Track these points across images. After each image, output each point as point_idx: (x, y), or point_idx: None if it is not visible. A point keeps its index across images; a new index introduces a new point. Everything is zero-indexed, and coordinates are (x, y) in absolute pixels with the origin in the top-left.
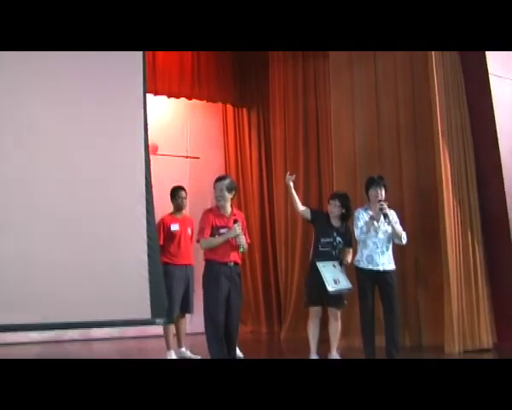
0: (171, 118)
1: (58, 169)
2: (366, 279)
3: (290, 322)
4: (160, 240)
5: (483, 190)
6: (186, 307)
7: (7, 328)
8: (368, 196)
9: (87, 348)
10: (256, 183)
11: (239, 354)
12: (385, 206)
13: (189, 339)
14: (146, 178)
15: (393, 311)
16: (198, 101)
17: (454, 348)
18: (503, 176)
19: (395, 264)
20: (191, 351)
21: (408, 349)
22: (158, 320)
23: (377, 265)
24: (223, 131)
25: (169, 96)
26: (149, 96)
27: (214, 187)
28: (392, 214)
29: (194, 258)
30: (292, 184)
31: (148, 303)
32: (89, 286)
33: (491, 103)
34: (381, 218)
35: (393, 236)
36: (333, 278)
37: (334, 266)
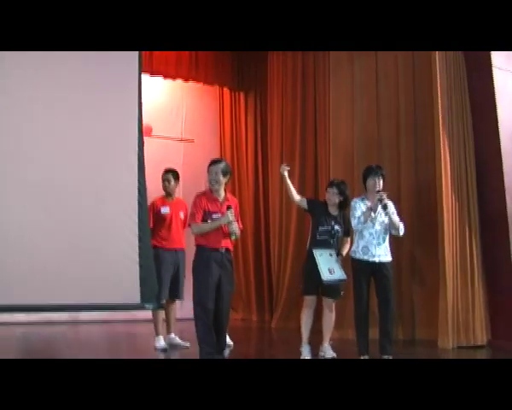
0: (167, 99)
1: (47, 148)
2: (361, 271)
3: (282, 311)
4: (150, 223)
5: (482, 185)
6: (175, 293)
7: None
8: (365, 185)
9: (74, 330)
10: (251, 168)
11: (229, 341)
12: (384, 196)
13: (178, 325)
14: (139, 159)
15: (389, 303)
16: (195, 83)
17: (448, 343)
18: (504, 171)
19: (391, 256)
20: (180, 337)
21: (401, 343)
22: (147, 305)
23: (373, 256)
24: (219, 114)
25: (165, 77)
26: (145, 77)
27: (208, 170)
28: (390, 205)
29: (187, 243)
30: (287, 174)
31: (138, 287)
32: (77, 268)
33: (494, 97)
34: (378, 208)
35: (391, 227)
36: (328, 267)
37: (330, 254)
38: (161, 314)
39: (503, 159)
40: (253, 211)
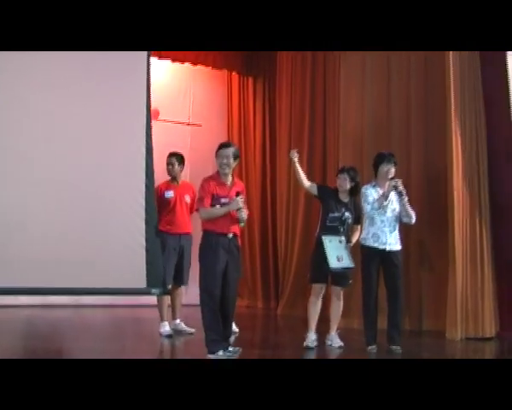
0: (175, 83)
1: (56, 130)
2: (371, 258)
3: (288, 298)
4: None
5: (494, 174)
6: (179, 279)
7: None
8: (376, 172)
9: (78, 314)
10: (259, 154)
11: (234, 328)
12: (399, 183)
13: (183, 311)
14: (147, 141)
15: (398, 293)
16: (203, 67)
17: (456, 335)
18: None
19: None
20: (185, 323)
21: (407, 333)
22: (153, 290)
23: (384, 244)
24: (227, 99)
25: (173, 61)
26: (153, 60)
27: (218, 154)
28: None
29: (194, 227)
30: (297, 159)
31: (144, 272)
32: (83, 252)
33: (507, 86)
34: (390, 196)
35: (403, 214)
36: (336, 255)
37: (340, 241)
38: (166, 300)
39: None
40: (260, 197)
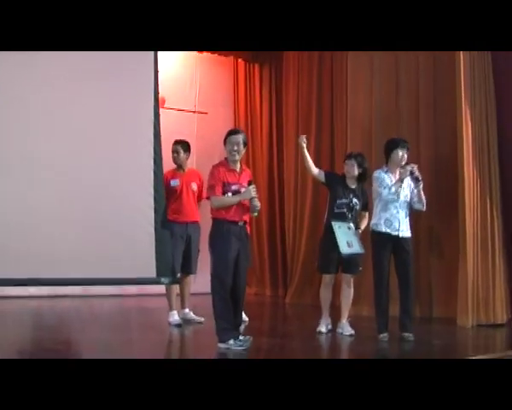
0: (181, 71)
1: (63, 118)
2: (383, 244)
3: (296, 286)
4: None
5: (504, 159)
6: (187, 267)
7: (5, 282)
8: (388, 157)
9: (87, 304)
10: (266, 142)
11: (244, 317)
12: (415, 169)
13: (191, 299)
14: (154, 128)
15: (409, 279)
16: (209, 54)
17: (467, 322)
18: None
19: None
20: (194, 312)
21: (418, 321)
22: (163, 279)
23: (396, 230)
24: (233, 86)
25: None
26: None
27: (228, 141)
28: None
29: (202, 215)
30: (305, 145)
31: (154, 261)
32: (91, 241)
33: None
34: (405, 181)
35: (415, 201)
36: (346, 240)
37: (349, 228)
38: (175, 289)
39: None
40: (267, 184)
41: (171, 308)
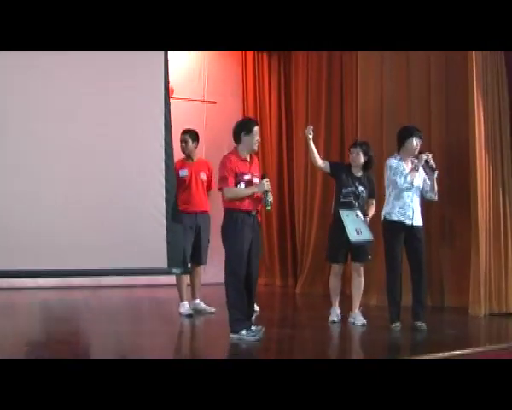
0: (189, 60)
1: (74, 110)
2: (396, 233)
3: (307, 276)
4: None
5: None
6: (197, 258)
7: (16, 274)
8: (401, 145)
9: (97, 295)
10: (275, 131)
11: (255, 307)
12: (430, 157)
13: (202, 290)
14: (165, 118)
15: (422, 268)
16: None
17: (479, 311)
18: None
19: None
20: (205, 303)
21: (430, 310)
22: (174, 270)
23: (410, 219)
24: (241, 76)
25: None
26: None
27: (253, 132)
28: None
29: (212, 205)
30: (311, 136)
31: (165, 252)
32: (102, 232)
33: None
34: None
35: (426, 190)
36: (355, 227)
37: (356, 215)
38: (185, 279)
39: None
40: (276, 174)
41: (181, 299)
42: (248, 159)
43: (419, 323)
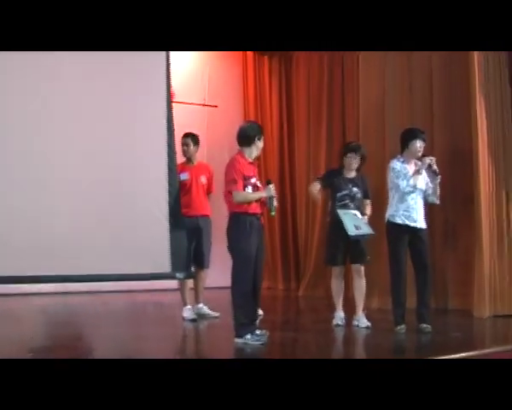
0: (190, 64)
1: (76, 112)
2: (400, 236)
3: (309, 279)
4: None
5: None
6: (200, 262)
7: (18, 280)
8: (405, 147)
9: (100, 300)
10: (276, 134)
11: (259, 311)
12: (434, 161)
13: (205, 294)
14: (168, 122)
15: (426, 270)
16: None
17: (484, 313)
18: None
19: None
20: (208, 307)
21: (434, 312)
22: (178, 274)
23: (414, 221)
24: (242, 79)
25: None
26: None
27: (262, 137)
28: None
29: (212, 209)
30: (316, 192)
31: (169, 256)
32: (105, 237)
33: None
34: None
35: (429, 193)
36: (354, 224)
37: (354, 214)
38: (188, 284)
39: None
40: (278, 177)
41: (185, 303)
42: (252, 162)
43: (424, 325)
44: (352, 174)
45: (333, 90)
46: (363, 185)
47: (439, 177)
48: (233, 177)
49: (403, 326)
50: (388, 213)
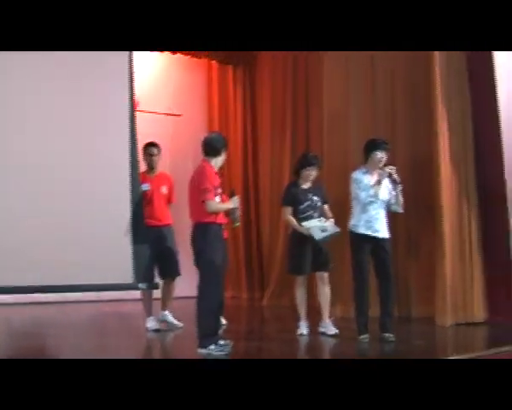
0: (154, 73)
1: (35, 121)
2: (363, 246)
3: (274, 289)
4: None
5: (481, 159)
6: (169, 271)
7: None
8: (368, 158)
9: (63, 311)
10: (240, 143)
11: (222, 321)
12: (394, 171)
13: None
14: (131, 132)
15: (389, 279)
16: (182, 56)
17: (446, 321)
18: (503, 146)
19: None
20: (174, 316)
21: (397, 320)
22: (140, 285)
23: (376, 231)
24: (207, 88)
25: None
26: None
27: (226, 150)
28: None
29: (174, 218)
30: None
31: (131, 267)
32: (68, 248)
33: (493, 72)
34: (384, 183)
35: (392, 202)
36: (319, 228)
37: (319, 220)
38: (152, 294)
39: (503, 133)
40: (242, 186)
41: (148, 314)
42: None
43: (387, 334)
44: (309, 184)
45: (297, 99)
46: (321, 193)
47: (400, 186)
48: (206, 186)
49: (366, 336)
50: (351, 223)
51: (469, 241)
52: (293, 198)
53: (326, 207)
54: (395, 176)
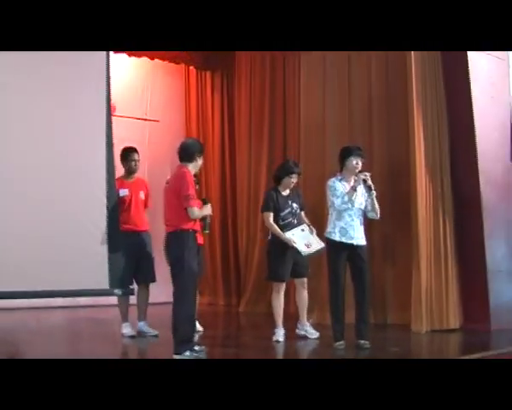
0: (131, 78)
1: (13, 129)
2: (339, 253)
3: (250, 295)
4: None
5: (456, 167)
6: (144, 277)
7: None
8: (343, 165)
9: (36, 317)
10: (218, 150)
11: (198, 327)
12: (368, 177)
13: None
14: (107, 136)
15: (365, 287)
16: (160, 61)
17: (421, 327)
18: (477, 154)
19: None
20: (149, 323)
21: (373, 327)
22: (116, 291)
23: (351, 238)
24: (184, 94)
25: (130, 55)
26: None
27: (202, 156)
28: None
29: (151, 224)
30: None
31: (107, 272)
32: (42, 252)
33: (468, 78)
34: (358, 189)
35: (368, 209)
36: (304, 242)
37: (302, 230)
38: (127, 300)
39: (477, 141)
40: (219, 193)
41: (123, 320)
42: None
43: (362, 341)
44: (288, 191)
45: (275, 107)
46: (299, 200)
47: (375, 192)
48: (189, 192)
49: (342, 342)
50: (327, 231)
51: (445, 248)
52: (274, 205)
53: (302, 213)
54: (369, 182)
